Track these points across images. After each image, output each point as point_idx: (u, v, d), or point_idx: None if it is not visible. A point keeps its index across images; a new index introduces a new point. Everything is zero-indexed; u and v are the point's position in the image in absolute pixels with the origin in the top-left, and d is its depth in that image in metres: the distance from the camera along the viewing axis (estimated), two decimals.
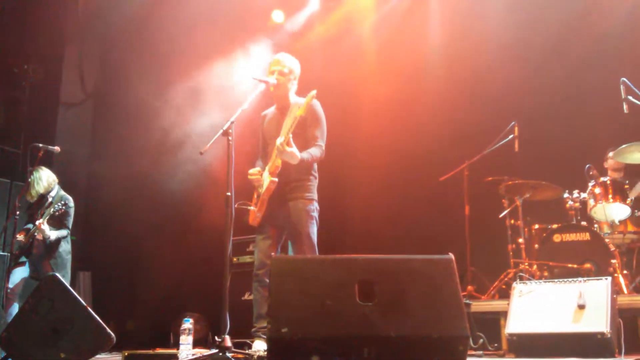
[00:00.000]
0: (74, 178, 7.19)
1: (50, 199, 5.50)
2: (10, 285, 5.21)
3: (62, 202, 5.33)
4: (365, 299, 2.66)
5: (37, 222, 5.21)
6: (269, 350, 2.63)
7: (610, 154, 5.69)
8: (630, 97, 4.79)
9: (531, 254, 5.58)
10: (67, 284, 4.08)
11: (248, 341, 4.14)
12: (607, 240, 5.20)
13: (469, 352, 3.18)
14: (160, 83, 7.61)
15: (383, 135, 6.97)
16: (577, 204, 5.57)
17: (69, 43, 8.24)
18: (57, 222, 5.38)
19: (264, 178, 4.07)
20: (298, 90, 4.35)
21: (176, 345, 3.85)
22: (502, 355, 4.35)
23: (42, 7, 7.81)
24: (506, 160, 5.92)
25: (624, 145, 5.10)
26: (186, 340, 3.61)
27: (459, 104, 6.53)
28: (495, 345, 4.67)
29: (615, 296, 4.02)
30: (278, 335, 2.57)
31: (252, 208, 4.13)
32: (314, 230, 4.10)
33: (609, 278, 3.97)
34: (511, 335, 4.03)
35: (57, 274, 3.60)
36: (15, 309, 5.13)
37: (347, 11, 7.68)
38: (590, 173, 5.48)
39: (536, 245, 5.53)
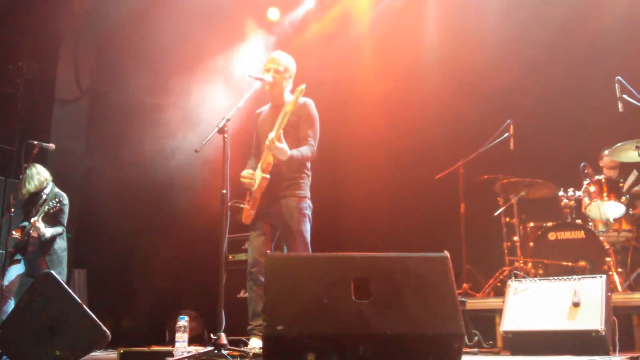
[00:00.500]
0: (69, 175, 7.16)
1: (44, 197, 5.48)
2: (6, 283, 5.20)
3: (57, 200, 5.31)
4: (361, 296, 2.66)
5: (32, 220, 5.20)
6: (264, 347, 2.64)
7: (606, 152, 5.70)
8: (625, 96, 4.80)
9: (526, 252, 5.60)
10: (63, 281, 4.08)
11: (244, 339, 4.15)
12: (601, 238, 5.21)
13: (465, 350, 3.19)
14: (155, 80, 7.61)
15: (378, 133, 6.97)
16: (572, 202, 5.59)
17: (64, 40, 8.21)
18: (52, 219, 5.36)
19: (256, 175, 4.08)
20: (293, 88, 4.35)
21: (172, 342, 3.84)
22: (497, 353, 4.36)
23: (37, 4, 7.78)
24: (501, 159, 5.93)
25: (619, 144, 5.11)
26: (182, 337, 3.61)
27: (455, 102, 6.54)
28: (491, 342, 4.69)
29: (609, 294, 4.03)
30: (274, 332, 2.57)
31: (244, 206, 4.13)
32: (306, 228, 4.11)
33: (604, 276, 3.99)
34: (506, 332, 4.05)
35: (53, 271, 3.59)
36: (10, 306, 5.11)
37: (343, 9, 7.67)
38: (585, 171, 5.50)
39: (531, 243, 5.55)
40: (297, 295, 2.70)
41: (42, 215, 5.22)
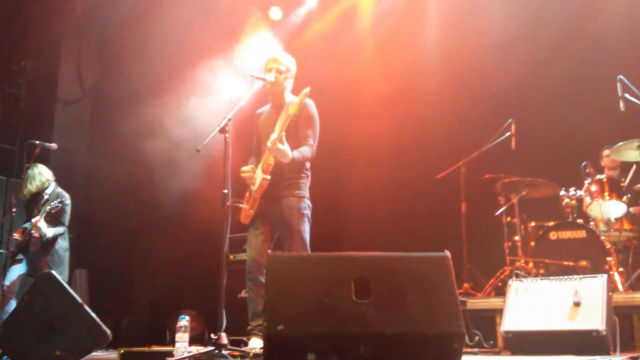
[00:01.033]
0: (71, 175, 7.17)
1: (46, 196, 5.48)
2: (7, 283, 5.20)
3: (59, 200, 5.31)
4: (362, 296, 2.66)
5: (33, 220, 5.20)
6: (265, 347, 2.63)
7: (607, 151, 5.69)
8: (627, 95, 4.79)
9: (527, 252, 5.58)
10: (65, 281, 4.08)
11: (244, 339, 4.14)
12: (603, 237, 5.20)
13: (465, 350, 3.18)
14: (157, 79, 7.60)
15: (380, 132, 6.96)
16: (574, 202, 5.57)
17: (67, 40, 8.22)
18: (53, 219, 5.36)
19: (257, 176, 4.08)
20: (294, 88, 4.34)
21: (172, 342, 3.84)
22: (498, 353, 4.35)
23: (39, 4, 7.79)
24: (503, 158, 5.92)
25: (620, 143, 5.10)
26: (182, 337, 3.60)
27: (456, 102, 6.53)
28: (491, 342, 4.68)
29: (610, 294, 4.02)
30: (274, 332, 2.56)
31: (244, 206, 4.13)
32: (305, 228, 4.10)
33: (605, 276, 3.97)
34: (507, 332, 4.04)
35: (54, 271, 3.59)
36: (12, 306, 5.11)
37: (345, 8, 7.66)
38: (587, 171, 5.49)
39: (532, 243, 5.54)
40: (298, 295, 2.70)
41: (44, 215, 5.22)
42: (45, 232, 5.23)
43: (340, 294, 2.67)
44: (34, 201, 5.53)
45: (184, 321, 3.63)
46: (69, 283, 4.09)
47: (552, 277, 4.23)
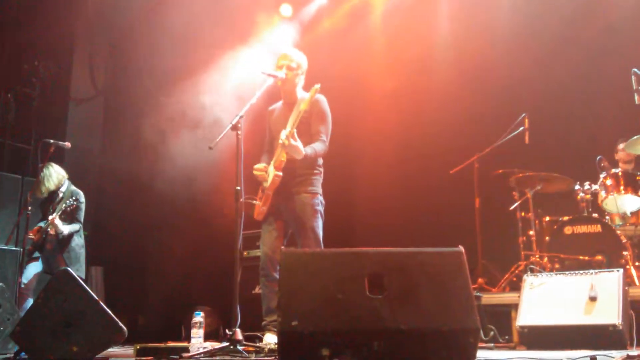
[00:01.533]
0: (85, 173, 7.22)
1: (60, 195, 5.53)
2: (24, 281, 5.25)
3: (74, 198, 5.36)
4: (375, 292, 2.66)
5: (50, 217, 5.25)
6: (279, 343, 2.64)
7: (621, 145, 5.64)
8: None
9: (542, 246, 5.56)
10: (82, 278, 4.12)
11: (259, 334, 4.16)
12: (618, 232, 5.17)
13: (480, 345, 3.17)
14: (169, 78, 7.64)
15: (392, 127, 6.95)
16: (588, 196, 5.54)
17: (79, 40, 8.28)
18: (69, 216, 5.41)
19: (269, 172, 4.08)
20: (306, 84, 4.34)
21: (187, 338, 3.87)
22: (513, 348, 4.34)
23: (52, 5, 7.84)
24: (516, 153, 5.89)
25: (635, 137, 5.06)
26: (197, 333, 3.64)
27: (469, 96, 6.50)
28: (506, 337, 4.67)
29: (627, 288, 4.00)
30: (288, 328, 2.57)
31: (257, 202, 4.14)
32: (318, 224, 4.11)
33: (621, 270, 3.96)
34: (522, 327, 4.03)
35: (70, 269, 3.62)
36: (29, 304, 5.16)
37: (354, 4, 7.65)
38: (602, 164, 5.45)
39: (547, 238, 5.51)
40: (312, 291, 2.70)
41: (59, 213, 5.27)
42: (62, 230, 5.28)
43: (353, 290, 2.67)
44: (49, 200, 5.59)
45: (199, 317, 3.66)
46: (85, 280, 4.12)
47: (567, 272, 4.22)
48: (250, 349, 3.35)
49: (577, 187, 5.62)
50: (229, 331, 3.37)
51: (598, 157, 5.48)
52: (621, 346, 3.64)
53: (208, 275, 6.93)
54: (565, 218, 5.46)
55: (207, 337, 3.99)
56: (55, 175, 5.57)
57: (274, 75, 4.12)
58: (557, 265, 5.26)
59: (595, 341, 3.65)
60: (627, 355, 2.52)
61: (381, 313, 2.61)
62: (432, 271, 2.75)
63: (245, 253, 6.14)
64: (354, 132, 6.89)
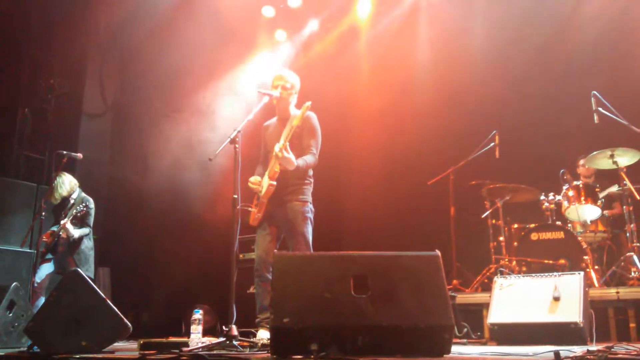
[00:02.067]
0: (95, 182, 7.18)
1: (72, 201, 5.50)
2: (37, 280, 5.20)
3: (84, 204, 5.33)
4: (360, 291, 2.66)
5: (61, 222, 5.22)
6: (271, 338, 2.63)
7: (582, 161, 5.70)
8: (600, 109, 4.82)
9: (511, 251, 5.58)
10: (91, 278, 4.08)
11: (253, 330, 4.14)
12: (579, 238, 5.20)
13: (454, 340, 3.17)
14: (173, 96, 7.63)
15: (376, 143, 6.97)
16: (553, 206, 5.58)
17: (91, 59, 8.26)
18: (79, 221, 5.37)
19: (264, 182, 4.08)
20: (298, 102, 4.36)
21: (187, 334, 3.84)
22: (485, 343, 4.34)
23: (66, 27, 7.82)
24: (488, 166, 5.93)
25: (594, 152, 5.12)
26: (196, 329, 3.60)
27: (445, 115, 6.54)
28: (479, 333, 4.67)
29: (587, 289, 4.02)
30: (280, 324, 2.57)
31: (252, 210, 4.14)
32: (308, 230, 4.11)
33: (582, 273, 3.98)
34: (493, 324, 4.03)
35: (80, 269, 3.60)
36: (41, 302, 5.10)
37: (343, 31, 7.69)
38: (565, 177, 5.50)
39: (515, 243, 5.54)
40: (302, 291, 2.70)
41: (70, 218, 5.24)
42: (73, 234, 5.25)
43: (340, 290, 2.67)
44: (61, 206, 5.55)
45: (198, 314, 3.63)
46: (94, 280, 4.09)
47: (533, 274, 4.23)
48: (245, 344, 3.32)
49: (542, 197, 5.67)
50: (226, 327, 3.35)
51: (561, 171, 5.52)
52: (582, 342, 3.65)
53: (206, 275, 6.89)
54: (532, 225, 5.49)
55: (206, 332, 3.95)
56: (67, 183, 5.54)
57: (270, 94, 4.12)
58: (524, 268, 5.29)
59: (559, 337, 3.67)
60: (587, 350, 2.53)
61: (365, 311, 2.62)
62: (411, 273, 2.76)
63: (241, 256, 6.12)
64: (342, 147, 6.91)
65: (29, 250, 6.35)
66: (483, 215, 5.84)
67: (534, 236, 5.34)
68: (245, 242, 5.98)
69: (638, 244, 4.92)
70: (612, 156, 5.02)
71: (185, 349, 3.13)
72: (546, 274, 4.11)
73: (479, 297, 5.05)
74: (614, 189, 5.27)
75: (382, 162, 6.93)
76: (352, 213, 7.22)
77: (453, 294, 5.06)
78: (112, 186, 7.89)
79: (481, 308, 4.84)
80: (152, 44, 7.66)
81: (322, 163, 4.22)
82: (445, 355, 2.61)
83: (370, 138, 7.01)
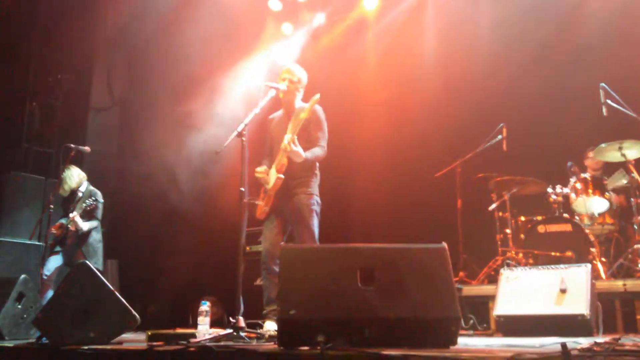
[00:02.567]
0: (103, 175, 7.20)
1: (80, 194, 5.53)
2: (46, 272, 5.23)
3: (93, 198, 5.35)
4: (366, 284, 2.66)
5: (70, 215, 5.24)
6: (278, 330, 2.63)
7: (590, 153, 5.66)
8: (608, 101, 4.77)
9: (517, 243, 5.56)
10: (99, 270, 4.10)
11: (260, 322, 4.15)
12: (587, 231, 5.18)
13: (461, 332, 3.17)
14: (179, 89, 7.63)
15: (383, 135, 6.95)
16: (560, 198, 5.55)
17: (98, 55, 8.29)
18: (88, 214, 5.40)
19: (271, 175, 4.08)
20: (304, 96, 4.35)
21: (195, 325, 3.85)
22: (491, 335, 4.34)
23: (74, 24, 7.84)
24: (495, 159, 5.89)
25: (602, 145, 5.08)
26: (204, 321, 3.62)
27: (453, 107, 6.51)
28: (485, 325, 4.67)
29: (594, 281, 4.00)
30: (287, 316, 2.57)
31: (259, 203, 4.14)
32: (314, 222, 4.11)
33: (589, 265, 3.96)
34: (499, 316, 4.03)
35: (88, 262, 3.61)
36: (50, 293, 5.14)
37: (349, 24, 7.66)
38: (572, 170, 5.46)
39: (522, 235, 5.52)
40: (309, 283, 2.70)
41: (79, 212, 5.26)
42: (81, 227, 5.28)
43: (346, 282, 2.67)
44: (70, 199, 5.58)
45: (205, 306, 3.65)
46: (102, 272, 4.11)
47: (540, 267, 4.22)
48: (252, 335, 3.33)
49: (549, 190, 5.63)
50: (233, 319, 3.36)
51: (569, 163, 5.49)
52: (589, 334, 3.64)
53: (214, 268, 6.91)
54: (539, 218, 5.47)
55: (213, 324, 3.96)
56: (76, 175, 5.58)
57: (277, 87, 4.12)
58: (531, 261, 5.26)
59: (565, 329, 3.65)
60: (594, 342, 2.52)
61: (372, 303, 2.61)
62: (418, 265, 2.75)
63: (248, 248, 6.13)
64: (349, 139, 6.89)
65: (37, 243, 6.40)
66: (490, 208, 5.81)
67: (541, 228, 5.31)
68: (252, 235, 5.98)
69: None
70: (620, 148, 4.98)
71: (192, 340, 3.14)
72: (553, 267, 4.10)
73: (485, 289, 5.04)
74: (622, 178, 5.21)
75: (389, 154, 6.91)
76: (359, 205, 7.21)
77: (459, 286, 5.06)
78: (120, 179, 7.92)
79: (487, 300, 4.83)
80: (159, 39, 7.67)
81: (328, 155, 4.21)
82: (451, 347, 2.60)
83: (377, 130, 6.99)
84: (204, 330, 3.53)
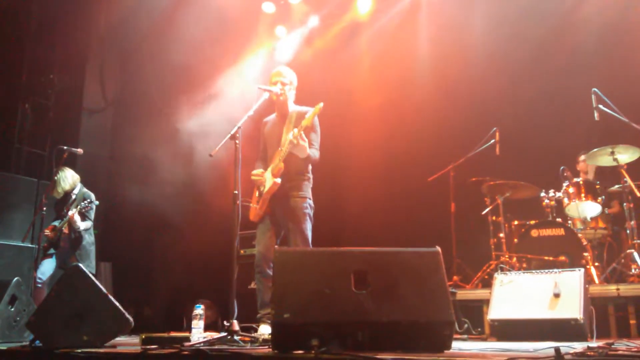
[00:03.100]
0: (95, 177, 7.19)
1: (73, 196, 5.51)
2: (40, 276, 5.21)
3: (88, 200, 5.34)
4: (360, 287, 2.66)
5: (69, 213, 5.22)
6: (272, 333, 2.63)
7: (582, 157, 5.70)
8: (600, 106, 4.81)
9: (511, 248, 5.58)
10: (92, 273, 4.08)
11: (254, 325, 4.14)
12: (580, 235, 5.20)
13: (455, 336, 3.18)
14: (173, 92, 7.63)
15: (376, 139, 6.97)
16: (553, 202, 5.58)
17: (91, 55, 8.26)
18: (81, 216, 5.38)
19: (267, 178, 4.09)
20: (298, 99, 4.36)
21: (189, 329, 3.84)
22: (485, 339, 4.35)
23: (67, 22, 7.83)
24: (488, 163, 5.93)
25: (595, 150, 5.11)
26: (198, 324, 3.60)
27: (446, 112, 6.54)
28: (479, 329, 4.68)
29: (587, 286, 4.02)
30: (281, 320, 2.57)
31: (253, 205, 4.14)
32: (308, 226, 4.10)
33: (582, 269, 3.98)
34: (493, 320, 4.04)
35: (81, 264, 3.60)
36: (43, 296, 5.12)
37: (343, 27, 7.68)
38: (565, 174, 5.49)
39: (515, 240, 5.54)
40: (302, 286, 2.70)
41: (76, 212, 5.25)
42: (80, 225, 5.28)
43: (340, 285, 2.67)
44: (63, 201, 5.56)
45: (199, 310, 3.64)
46: (95, 275, 4.09)
47: (533, 271, 4.24)
48: (246, 339, 3.33)
49: (542, 194, 5.66)
50: (227, 323, 3.36)
51: (562, 168, 5.52)
52: (582, 338, 3.66)
53: (208, 271, 6.90)
54: (532, 222, 5.49)
55: (207, 328, 3.95)
56: (70, 178, 5.56)
57: (269, 90, 4.12)
58: (524, 265, 5.29)
59: (559, 334, 3.67)
60: (588, 347, 2.54)
61: (365, 306, 2.61)
62: (411, 269, 2.76)
63: (241, 251, 6.12)
64: (342, 143, 6.91)
65: (30, 246, 6.36)
66: (483, 212, 5.84)
67: (534, 233, 5.34)
68: (246, 238, 5.98)
69: (638, 241, 4.92)
70: (612, 153, 5.02)
71: (186, 343, 3.13)
72: (546, 271, 4.11)
73: (479, 293, 5.06)
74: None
75: (382, 158, 6.93)
76: (353, 209, 7.22)
77: (453, 290, 5.07)
78: (113, 181, 7.90)
79: (481, 304, 4.85)
80: (152, 39, 7.66)
81: (322, 159, 4.22)
82: (445, 351, 2.61)
83: (370, 134, 7.01)
84: (198, 334, 3.52)
